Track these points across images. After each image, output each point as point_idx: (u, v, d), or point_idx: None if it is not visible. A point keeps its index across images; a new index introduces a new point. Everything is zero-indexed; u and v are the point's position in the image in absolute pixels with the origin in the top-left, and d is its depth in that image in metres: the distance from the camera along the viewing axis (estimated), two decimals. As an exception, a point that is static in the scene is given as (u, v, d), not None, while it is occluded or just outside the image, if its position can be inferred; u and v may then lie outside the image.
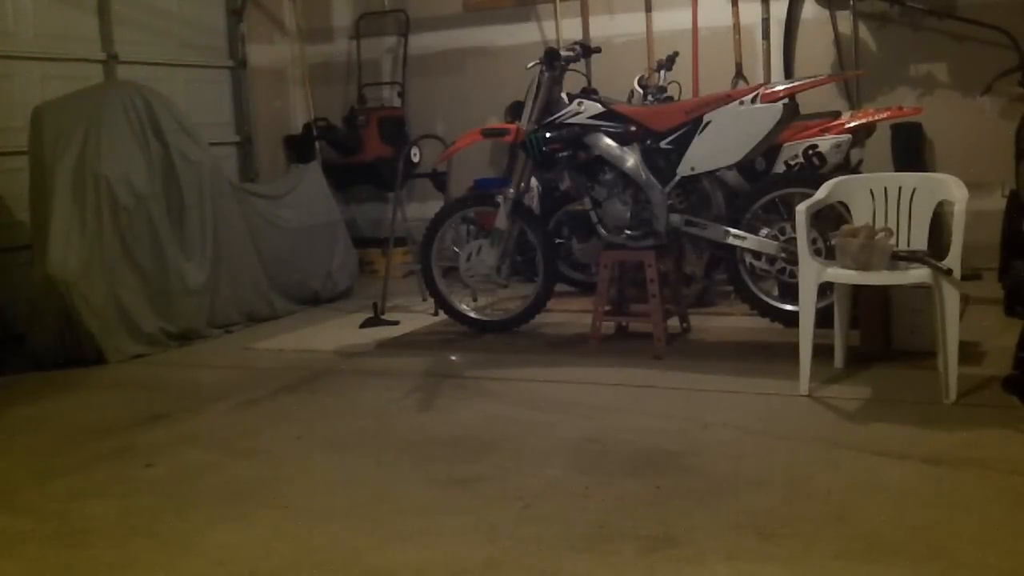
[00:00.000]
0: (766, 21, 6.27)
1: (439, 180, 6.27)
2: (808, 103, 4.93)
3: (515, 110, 5.77)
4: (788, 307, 4.35)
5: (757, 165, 4.73)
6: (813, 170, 4.50)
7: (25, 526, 2.81)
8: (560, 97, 4.57)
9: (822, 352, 3.77)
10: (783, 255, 4.27)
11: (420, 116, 7.28)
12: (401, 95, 7.29)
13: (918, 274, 3.45)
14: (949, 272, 3.36)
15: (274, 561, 2.51)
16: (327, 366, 4.50)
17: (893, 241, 3.59)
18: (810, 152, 4.54)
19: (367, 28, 7.37)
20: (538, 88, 4.56)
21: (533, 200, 5.59)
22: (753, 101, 4.24)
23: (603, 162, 4.49)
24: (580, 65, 5.31)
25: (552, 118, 4.53)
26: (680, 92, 5.36)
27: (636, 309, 4.67)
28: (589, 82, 6.22)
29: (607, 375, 4.09)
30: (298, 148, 7.25)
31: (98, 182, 4.86)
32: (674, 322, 4.68)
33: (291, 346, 4.96)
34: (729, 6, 6.30)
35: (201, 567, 2.51)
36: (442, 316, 5.22)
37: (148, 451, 3.39)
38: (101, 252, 4.83)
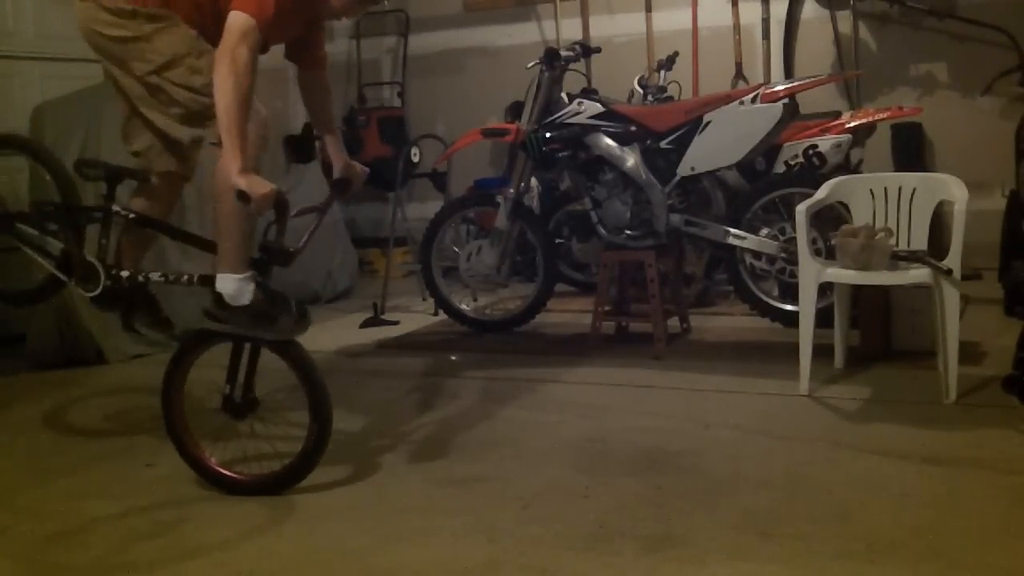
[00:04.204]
0: (766, 21, 6.28)
1: (439, 180, 6.27)
2: (808, 103, 4.93)
3: (515, 110, 5.76)
4: (788, 307, 4.35)
5: (757, 165, 4.74)
6: (813, 170, 4.50)
7: (25, 526, 2.81)
8: (560, 97, 4.57)
9: (822, 352, 3.77)
10: (783, 255, 4.27)
11: (420, 116, 7.28)
12: (401, 95, 7.29)
13: (918, 274, 3.45)
14: (949, 272, 3.36)
15: (274, 561, 2.51)
16: (327, 366, 4.49)
17: (893, 241, 3.59)
18: (810, 152, 4.54)
19: (367, 28, 7.37)
20: (538, 88, 4.56)
21: (533, 200, 5.59)
22: (753, 101, 4.24)
23: (603, 162, 4.49)
24: (580, 65, 5.31)
25: (552, 118, 4.53)
26: (680, 92, 5.36)
27: (636, 309, 4.67)
28: (589, 82, 6.22)
29: (607, 375, 4.09)
30: (298, 148, 7.25)
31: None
32: (674, 322, 4.68)
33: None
34: (729, 6, 6.30)
35: (201, 567, 2.51)
36: (442, 316, 5.22)
37: (148, 451, 3.39)
38: (101, 252, 4.83)
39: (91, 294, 3.17)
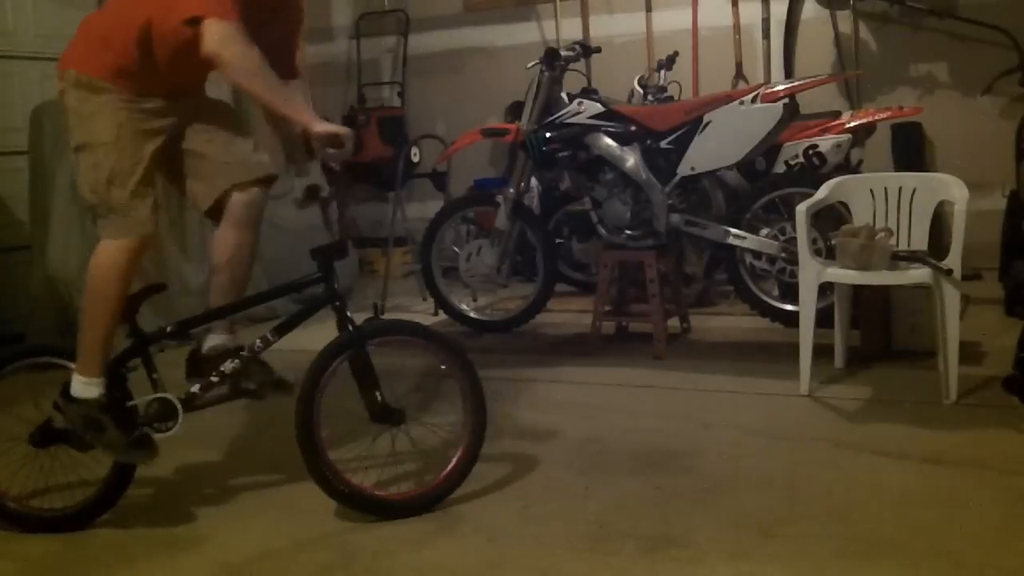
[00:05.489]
0: (766, 21, 6.27)
1: (439, 180, 6.27)
2: (808, 103, 4.93)
3: (515, 110, 5.76)
4: (788, 307, 4.34)
5: (757, 165, 4.74)
6: (813, 170, 4.50)
7: (25, 526, 2.82)
8: (560, 97, 4.56)
9: (822, 352, 3.77)
10: (783, 255, 4.26)
11: (420, 116, 7.27)
12: (401, 95, 7.29)
13: (918, 274, 3.45)
14: (949, 272, 3.36)
15: (273, 561, 2.51)
16: (327, 366, 4.49)
17: (893, 241, 3.59)
18: (810, 152, 4.54)
19: (367, 28, 7.37)
20: (538, 88, 4.56)
21: (533, 200, 5.59)
22: (753, 101, 4.23)
23: (603, 162, 4.48)
24: (580, 65, 5.31)
25: (552, 118, 4.52)
26: (680, 92, 5.36)
27: (636, 309, 4.67)
28: (589, 82, 6.22)
29: (607, 375, 4.09)
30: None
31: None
32: (674, 322, 4.68)
33: (291, 346, 4.94)
34: (729, 6, 6.30)
35: (201, 567, 2.51)
36: (442, 316, 5.22)
37: (148, 451, 3.39)
38: (101, 252, 4.82)
39: (172, 431, 2.81)
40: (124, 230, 2.73)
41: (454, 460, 2.83)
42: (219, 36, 2.53)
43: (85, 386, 2.74)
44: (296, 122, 2.67)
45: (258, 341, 2.88)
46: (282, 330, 2.92)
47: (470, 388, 2.84)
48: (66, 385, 2.77)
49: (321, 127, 2.62)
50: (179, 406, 2.79)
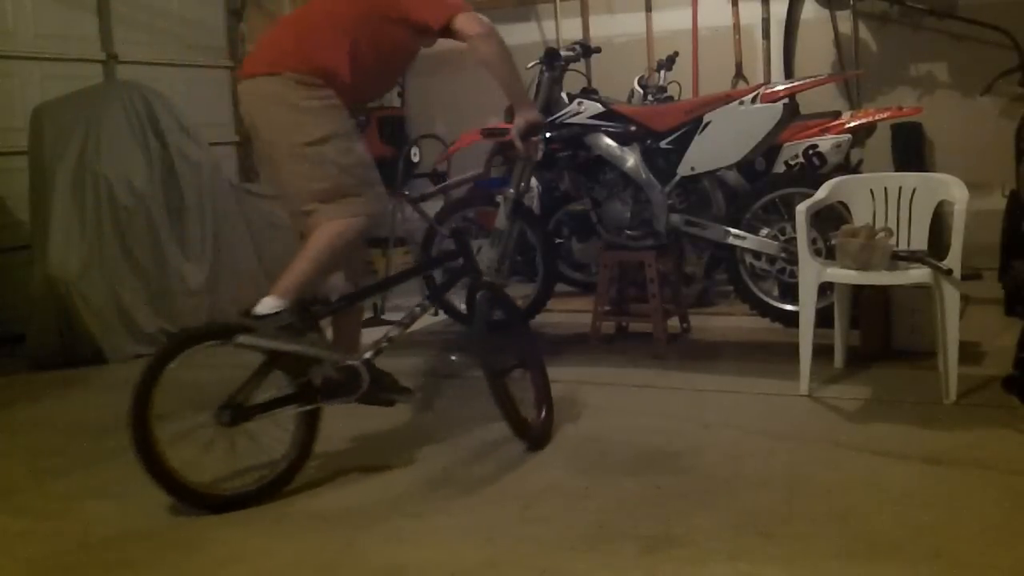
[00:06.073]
0: (766, 21, 6.27)
1: (439, 180, 6.26)
2: (808, 103, 4.93)
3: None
4: (788, 307, 4.34)
5: (757, 165, 4.74)
6: (813, 170, 4.50)
7: (25, 526, 2.81)
8: (560, 97, 4.56)
9: (822, 352, 3.77)
10: (783, 255, 4.26)
11: (420, 116, 7.27)
12: (401, 95, 7.29)
13: (918, 274, 3.45)
14: (949, 272, 3.37)
15: (275, 561, 2.51)
16: (327, 366, 4.49)
17: (893, 241, 3.59)
18: (810, 152, 4.54)
19: (367, 28, 7.36)
20: (538, 88, 4.55)
21: (533, 200, 5.59)
22: (753, 101, 4.23)
23: (603, 162, 4.48)
24: (580, 65, 5.30)
25: (552, 118, 4.52)
26: (680, 92, 5.36)
27: (636, 309, 4.67)
28: (589, 82, 6.21)
29: (607, 375, 4.09)
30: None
31: (98, 182, 4.86)
32: (674, 322, 4.68)
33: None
34: (729, 6, 6.30)
35: (202, 567, 2.51)
36: (442, 316, 5.22)
37: (148, 451, 3.39)
38: (101, 252, 4.83)
39: (352, 398, 2.97)
40: (376, 203, 3.11)
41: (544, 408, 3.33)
42: (472, 20, 3.11)
43: (279, 303, 2.85)
44: (519, 104, 3.35)
45: (416, 307, 3.18)
46: (433, 298, 3.46)
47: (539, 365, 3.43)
48: (248, 311, 2.84)
49: (538, 116, 3.33)
50: (365, 373, 2.96)
